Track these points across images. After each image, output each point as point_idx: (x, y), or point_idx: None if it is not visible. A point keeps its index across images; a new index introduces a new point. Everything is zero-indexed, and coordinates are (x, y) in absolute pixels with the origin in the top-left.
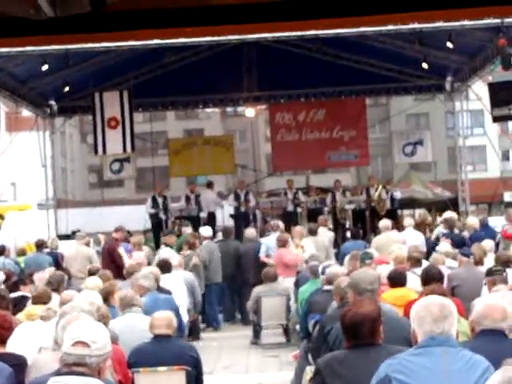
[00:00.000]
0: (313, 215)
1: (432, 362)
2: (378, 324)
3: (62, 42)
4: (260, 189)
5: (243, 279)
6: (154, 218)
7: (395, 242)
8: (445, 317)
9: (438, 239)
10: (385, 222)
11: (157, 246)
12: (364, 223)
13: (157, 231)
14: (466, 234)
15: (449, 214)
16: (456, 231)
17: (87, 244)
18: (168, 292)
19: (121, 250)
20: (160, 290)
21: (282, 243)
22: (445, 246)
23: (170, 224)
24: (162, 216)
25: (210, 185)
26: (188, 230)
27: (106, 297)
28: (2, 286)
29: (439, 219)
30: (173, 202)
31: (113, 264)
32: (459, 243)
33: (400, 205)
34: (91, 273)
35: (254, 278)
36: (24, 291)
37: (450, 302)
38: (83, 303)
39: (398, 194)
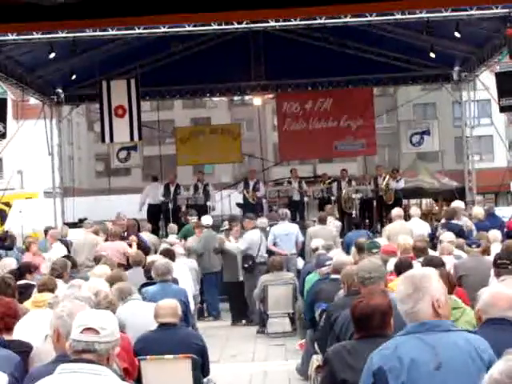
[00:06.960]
0: (320, 204)
1: (425, 351)
2: (389, 316)
3: (70, 27)
4: (267, 178)
5: None
6: (163, 206)
7: (408, 231)
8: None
9: (436, 229)
10: (398, 211)
11: (157, 234)
12: (371, 212)
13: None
14: (468, 223)
15: (455, 204)
16: (458, 222)
17: (95, 232)
18: (175, 281)
19: None
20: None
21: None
22: (448, 235)
23: (180, 213)
24: (170, 205)
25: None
26: (194, 218)
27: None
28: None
29: (445, 209)
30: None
31: None
32: (457, 233)
33: (406, 194)
34: (97, 260)
35: None
36: (29, 279)
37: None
38: (81, 291)
39: (401, 184)
